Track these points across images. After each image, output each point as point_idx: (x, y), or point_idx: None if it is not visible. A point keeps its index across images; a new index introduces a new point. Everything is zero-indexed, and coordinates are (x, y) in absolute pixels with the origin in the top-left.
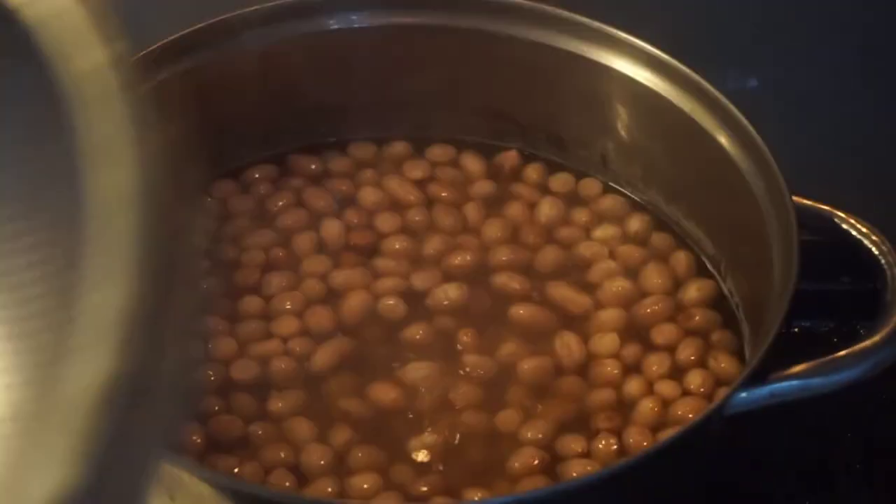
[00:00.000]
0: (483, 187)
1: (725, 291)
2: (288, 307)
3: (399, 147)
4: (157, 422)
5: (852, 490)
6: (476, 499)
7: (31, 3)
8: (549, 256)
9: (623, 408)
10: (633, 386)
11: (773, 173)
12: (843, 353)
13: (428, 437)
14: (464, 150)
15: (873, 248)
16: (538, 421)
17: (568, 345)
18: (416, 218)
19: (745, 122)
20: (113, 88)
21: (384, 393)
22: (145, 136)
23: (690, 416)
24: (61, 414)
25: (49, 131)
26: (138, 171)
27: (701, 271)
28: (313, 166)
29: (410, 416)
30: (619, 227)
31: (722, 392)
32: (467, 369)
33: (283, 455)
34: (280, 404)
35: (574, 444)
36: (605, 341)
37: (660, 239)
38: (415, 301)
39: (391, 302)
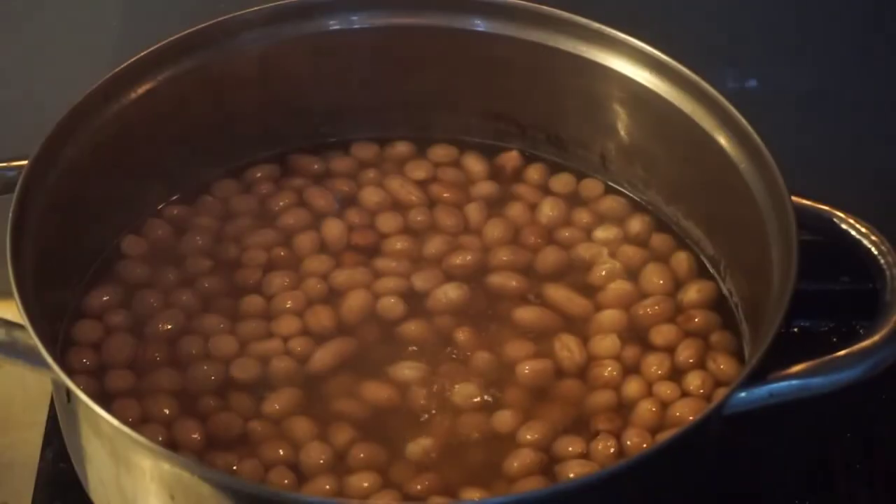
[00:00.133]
0: (484, 188)
1: (725, 291)
2: (289, 306)
3: (401, 147)
4: None
5: (852, 490)
6: (473, 499)
7: None
8: (549, 257)
9: (622, 409)
10: (632, 387)
11: (772, 173)
12: (842, 352)
13: (426, 436)
14: (466, 150)
15: (872, 248)
16: (537, 422)
17: (568, 347)
18: (418, 218)
19: (744, 122)
20: None
21: (382, 392)
22: None
23: (690, 417)
24: None
25: None
26: None
27: (701, 272)
28: (315, 166)
29: (409, 415)
30: (619, 228)
31: (721, 392)
32: (467, 370)
33: (281, 452)
34: (279, 403)
35: (573, 445)
36: (606, 343)
37: (660, 240)
38: (415, 301)
39: (391, 302)
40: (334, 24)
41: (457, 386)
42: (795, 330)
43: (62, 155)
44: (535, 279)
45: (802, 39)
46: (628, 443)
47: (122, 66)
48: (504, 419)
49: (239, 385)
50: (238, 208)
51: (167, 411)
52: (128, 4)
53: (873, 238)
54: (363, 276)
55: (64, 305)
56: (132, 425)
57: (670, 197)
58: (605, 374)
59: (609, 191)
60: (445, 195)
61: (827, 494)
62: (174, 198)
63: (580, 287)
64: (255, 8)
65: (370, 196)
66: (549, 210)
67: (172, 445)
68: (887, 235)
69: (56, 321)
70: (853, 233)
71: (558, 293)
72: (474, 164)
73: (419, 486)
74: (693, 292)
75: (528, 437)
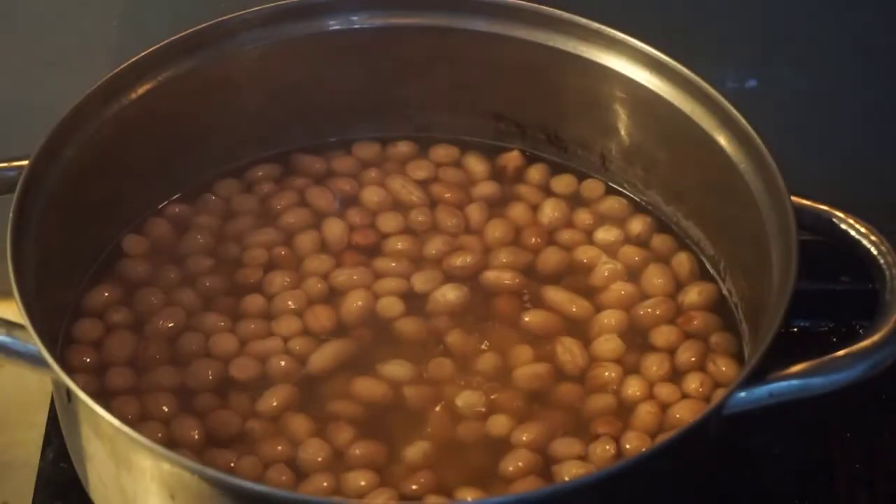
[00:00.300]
0: (486, 188)
1: (724, 291)
2: (289, 306)
3: (403, 147)
4: None
5: (852, 490)
6: (470, 499)
7: None
8: (550, 259)
9: (622, 412)
10: (632, 389)
11: (772, 173)
12: (842, 352)
13: (424, 437)
14: (467, 150)
15: (872, 248)
16: (533, 424)
17: (571, 351)
18: (419, 218)
19: (744, 122)
20: None
21: (379, 392)
22: None
23: (690, 419)
24: None
25: None
26: None
27: (702, 274)
28: (317, 165)
29: (406, 415)
30: (620, 229)
31: (721, 393)
32: (466, 371)
33: (280, 449)
34: (276, 400)
35: (571, 447)
36: (610, 346)
37: (661, 240)
38: (415, 302)
39: (391, 302)
40: (334, 24)
41: (455, 387)
42: (795, 330)
43: (62, 155)
44: (536, 280)
45: (802, 39)
46: (627, 446)
47: (122, 66)
48: (501, 422)
49: (238, 383)
50: (239, 207)
51: (166, 409)
52: (128, 4)
53: (873, 238)
54: (363, 276)
55: (64, 305)
56: (131, 423)
57: (670, 197)
58: (606, 376)
59: (609, 191)
60: (447, 195)
61: (827, 494)
62: (175, 196)
63: (581, 288)
64: (255, 8)
65: (371, 196)
66: (550, 211)
67: (171, 443)
68: (887, 235)
69: (56, 320)
70: (853, 233)
71: (559, 295)
72: (476, 164)
73: (415, 486)
74: (694, 294)
75: (524, 438)
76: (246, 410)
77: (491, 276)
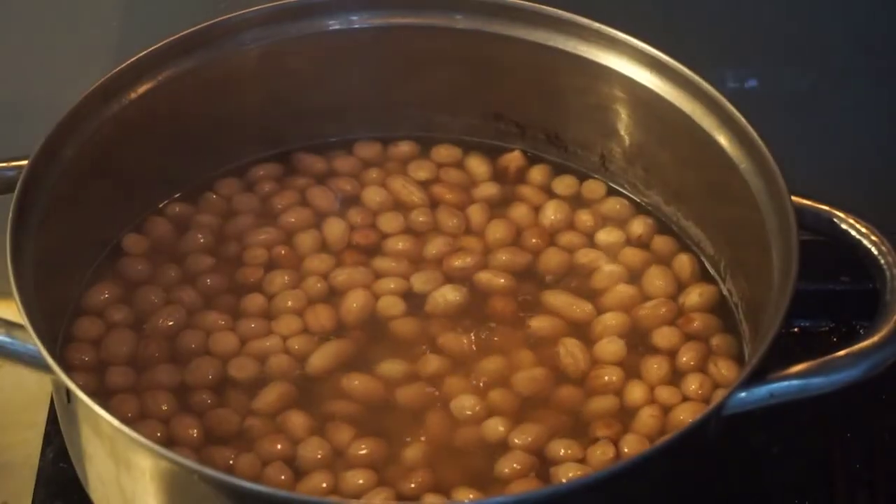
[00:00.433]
0: (487, 189)
1: (725, 291)
2: (289, 305)
3: (405, 147)
4: None
5: (852, 490)
6: (467, 499)
7: None
8: (552, 260)
9: (622, 415)
10: (633, 391)
11: (772, 173)
12: (842, 352)
13: (423, 436)
14: (469, 151)
15: (872, 248)
16: (531, 426)
17: (572, 353)
18: (420, 219)
19: (744, 122)
20: None
21: (378, 391)
22: None
23: (690, 421)
24: None
25: None
26: None
27: (703, 275)
28: (318, 165)
29: (404, 415)
30: (621, 231)
31: (721, 393)
32: (465, 371)
33: (279, 447)
34: (278, 400)
35: (569, 449)
36: (612, 348)
37: (662, 242)
38: (414, 302)
39: (391, 302)
40: (334, 24)
41: (454, 388)
42: (795, 330)
43: (62, 155)
44: (537, 282)
45: (802, 39)
46: (626, 450)
47: (122, 66)
48: (499, 423)
49: (237, 382)
50: (240, 206)
51: (165, 407)
52: (128, 4)
53: (873, 238)
54: (363, 276)
55: (64, 304)
56: (130, 422)
57: (670, 197)
58: (606, 378)
59: (610, 192)
60: (448, 196)
61: (827, 494)
62: (176, 196)
63: (582, 290)
64: (255, 8)
65: (372, 196)
66: (552, 213)
67: (170, 441)
68: (887, 235)
69: (56, 320)
70: (853, 233)
71: (560, 297)
72: (477, 165)
73: (413, 485)
74: (695, 296)
75: (522, 440)
76: (245, 409)
77: (496, 282)
